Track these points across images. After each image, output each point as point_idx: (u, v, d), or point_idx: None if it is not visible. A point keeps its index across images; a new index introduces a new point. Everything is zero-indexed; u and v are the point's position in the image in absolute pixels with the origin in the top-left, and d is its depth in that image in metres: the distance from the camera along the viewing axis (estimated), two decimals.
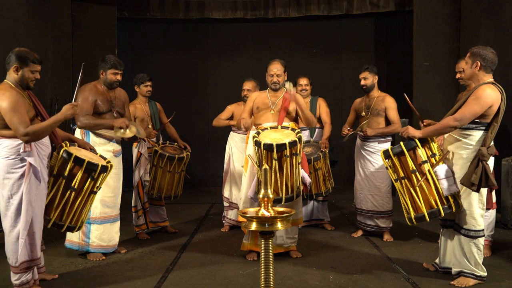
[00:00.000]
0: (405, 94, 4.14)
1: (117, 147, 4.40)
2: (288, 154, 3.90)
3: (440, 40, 6.93)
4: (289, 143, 3.88)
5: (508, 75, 5.52)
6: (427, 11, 6.96)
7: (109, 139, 4.31)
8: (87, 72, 3.84)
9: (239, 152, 5.39)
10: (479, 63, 3.46)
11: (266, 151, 3.90)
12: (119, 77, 4.36)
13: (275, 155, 3.89)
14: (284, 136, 4.03)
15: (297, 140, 3.94)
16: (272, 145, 3.86)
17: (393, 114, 4.87)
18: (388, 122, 4.91)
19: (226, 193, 5.48)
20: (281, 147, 3.88)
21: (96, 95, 4.24)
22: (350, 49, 8.72)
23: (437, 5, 6.96)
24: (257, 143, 3.93)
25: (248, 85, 5.42)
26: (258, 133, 4.10)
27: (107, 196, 4.28)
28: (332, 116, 5.54)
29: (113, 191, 4.35)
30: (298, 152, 3.99)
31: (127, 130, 4.28)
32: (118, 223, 4.44)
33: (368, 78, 4.91)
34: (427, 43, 6.96)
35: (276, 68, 4.38)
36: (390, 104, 4.89)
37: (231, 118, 5.50)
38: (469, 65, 3.53)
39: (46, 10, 6.23)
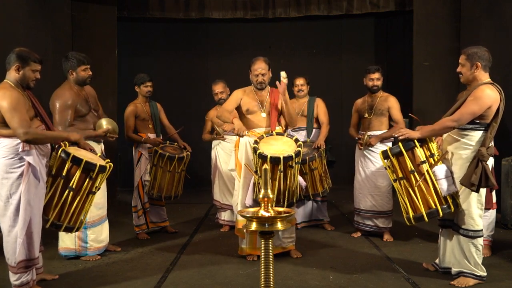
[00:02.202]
0: (411, 114, 4.20)
1: (102, 147, 4.39)
2: (293, 164, 3.92)
3: (440, 40, 6.92)
4: (295, 154, 3.89)
5: (508, 75, 5.52)
6: (427, 11, 6.96)
7: (96, 141, 4.28)
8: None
9: (224, 153, 5.39)
10: (479, 64, 3.45)
11: (272, 164, 3.88)
12: (90, 72, 4.21)
13: (281, 167, 3.88)
14: (285, 146, 4.03)
15: (300, 150, 3.98)
16: (279, 158, 3.85)
17: (397, 114, 4.86)
18: (390, 121, 4.91)
19: (216, 196, 5.48)
20: (287, 159, 3.88)
21: (76, 100, 4.12)
22: (350, 49, 8.72)
23: (437, 5, 6.95)
24: (261, 156, 3.88)
25: (219, 88, 5.45)
26: (257, 143, 4.04)
27: (98, 198, 4.18)
28: (332, 116, 5.52)
29: (102, 192, 4.30)
30: (299, 160, 4.04)
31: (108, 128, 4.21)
32: (107, 222, 4.47)
33: (380, 79, 4.91)
34: (427, 43, 6.95)
35: (260, 68, 4.29)
36: (393, 104, 4.88)
37: (213, 129, 5.55)
38: (467, 67, 3.50)
39: (46, 10, 6.22)
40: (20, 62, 3.30)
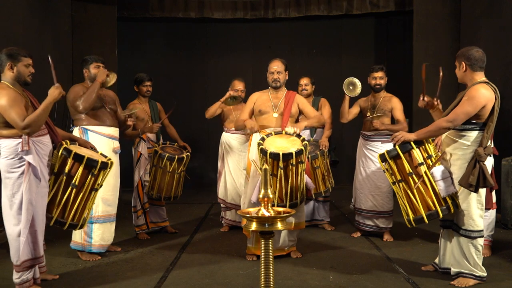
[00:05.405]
0: (424, 65, 3.97)
1: (117, 144, 4.42)
2: (294, 163, 3.88)
3: (440, 40, 6.93)
4: (295, 152, 3.85)
5: (508, 75, 5.51)
6: (427, 11, 6.97)
7: (109, 137, 4.31)
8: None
9: (232, 152, 5.38)
10: (464, 64, 3.49)
11: (272, 160, 3.87)
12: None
13: (281, 164, 3.86)
14: (290, 144, 3.99)
15: (303, 148, 3.92)
16: (278, 154, 3.82)
17: (400, 114, 4.87)
18: (393, 122, 4.92)
19: (221, 194, 5.45)
20: (287, 156, 3.84)
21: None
22: (350, 49, 8.72)
23: (437, 5, 6.97)
24: (262, 151, 3.88)
25: (241, 85, 5.44)
26: (263, 139, 4.04)
27: (108, 194, 4.30)
28: (332, 116, 5.52)
29: (113, 189, 4.37)
30: (303, 160, 3.98)
31: (110, 77, 4.38)
32: (114, 223, 4.47)
33: (383, 78, 4.93)
34: (427, 43, 6.96)
35: (276, 66, 4.34)
36: (396, 104, 4.89)
37: (220, 113, 5.47)
38: (457, 68, 3.58)
39: (46, 10, 6.23)
40: (11, 60, 3.33)
